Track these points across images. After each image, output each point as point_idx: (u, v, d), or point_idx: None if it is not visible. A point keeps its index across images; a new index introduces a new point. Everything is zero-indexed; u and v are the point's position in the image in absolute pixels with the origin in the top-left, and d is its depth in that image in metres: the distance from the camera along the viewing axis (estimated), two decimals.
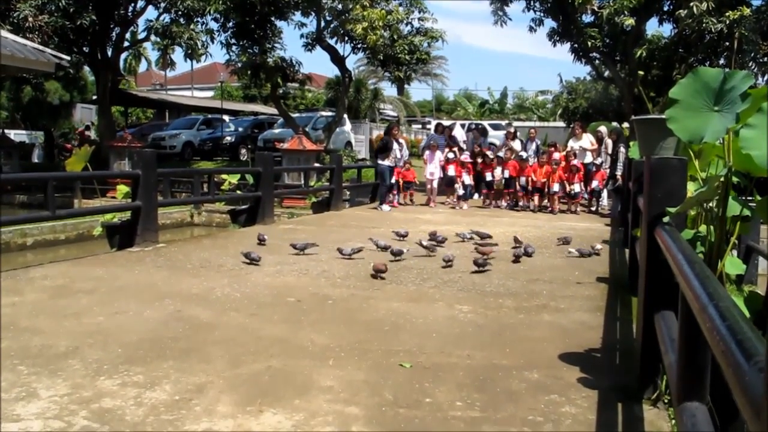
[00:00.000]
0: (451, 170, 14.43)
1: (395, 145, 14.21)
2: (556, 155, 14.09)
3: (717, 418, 2.51)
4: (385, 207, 13.74)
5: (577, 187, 13.65)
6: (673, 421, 3.13)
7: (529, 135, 15.97)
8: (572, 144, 14.75)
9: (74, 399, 3.35)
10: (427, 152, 14.89)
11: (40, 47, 15.18)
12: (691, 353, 2.30)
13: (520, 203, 14.14)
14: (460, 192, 14.48)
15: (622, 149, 13.07)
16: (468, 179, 14.47)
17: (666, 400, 3.39)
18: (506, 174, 13.86)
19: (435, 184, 14.78)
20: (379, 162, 14.03)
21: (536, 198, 13.93)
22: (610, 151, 14.10)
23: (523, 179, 13.79)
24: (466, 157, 14.88)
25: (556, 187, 13.47)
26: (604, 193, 14.54)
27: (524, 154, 14.39)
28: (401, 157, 14.65)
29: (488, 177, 14.18)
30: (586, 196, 14.43)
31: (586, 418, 3.25)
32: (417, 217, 12.45)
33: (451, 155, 14.64)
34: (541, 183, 13.64)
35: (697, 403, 2.28)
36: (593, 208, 14.33)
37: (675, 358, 2.51)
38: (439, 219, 12.13)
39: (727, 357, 1.45)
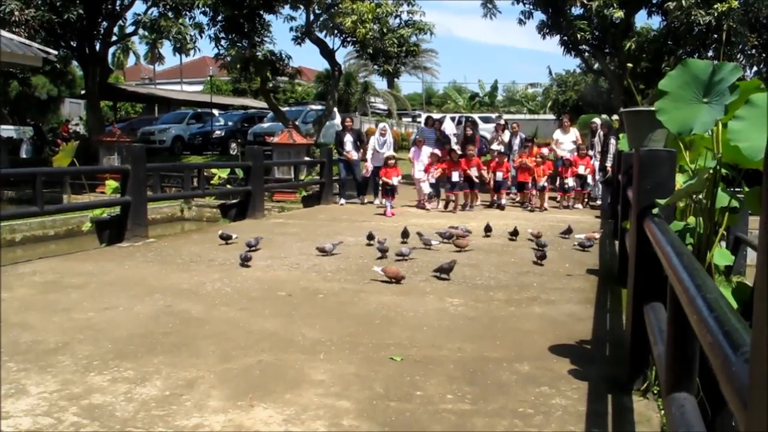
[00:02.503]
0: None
1: (347, 137, 13.91)
2: (545, 150, 14.01)
3: (706, 409, 2.53)
4: (342, 200, 13.89)
5: (570, 182, 13.47)
6: (662, 412, 3.15)
7: (512, 129, 15.71)
8: (558, 136, 14.71)
9: (64, 395, 3.34)
10: (413, 149, 13.94)
11: (27, 41, 15.04)
12: (680, 344, 2.31)
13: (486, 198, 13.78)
14: (426, 190, 13.19)
15: (613, 141, 13.09)
16: (432, 178, 13.07)
17: (655, 391, 3.41)
18: (474, 173, 12.86)
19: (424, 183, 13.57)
20: (338, 157, 14.05)
21: (519, 194, 13.63)
22: (602, 144, 14.10)
23: (499, 174, 13.28)
24: (437, 151, 13.61)
25: (543, 182, 13.19)
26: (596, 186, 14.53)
27: (502, 148, 14.27)
28: (378, 149, 13.45)
29: (454, 177, 12.71)
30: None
31: (576, 410, 3.26)
32: (407, 211, 12.44)
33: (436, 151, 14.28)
34: (527, 176, 13.25)
35: (686, 394, 2.29)
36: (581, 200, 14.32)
37: (664, 349, 2.52)
38: (431, 213, 12.14)
39: (714, 348, 1.45)
